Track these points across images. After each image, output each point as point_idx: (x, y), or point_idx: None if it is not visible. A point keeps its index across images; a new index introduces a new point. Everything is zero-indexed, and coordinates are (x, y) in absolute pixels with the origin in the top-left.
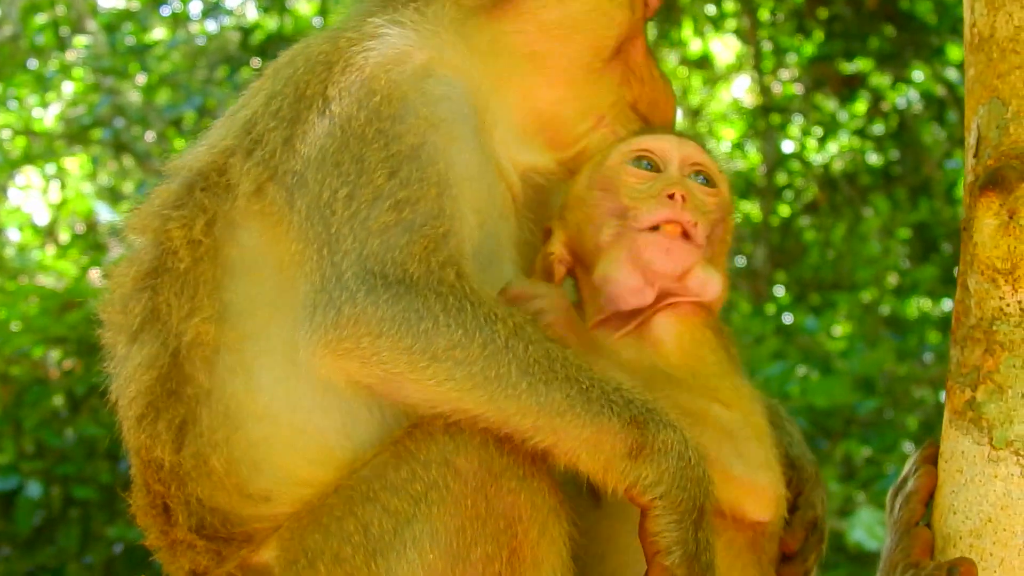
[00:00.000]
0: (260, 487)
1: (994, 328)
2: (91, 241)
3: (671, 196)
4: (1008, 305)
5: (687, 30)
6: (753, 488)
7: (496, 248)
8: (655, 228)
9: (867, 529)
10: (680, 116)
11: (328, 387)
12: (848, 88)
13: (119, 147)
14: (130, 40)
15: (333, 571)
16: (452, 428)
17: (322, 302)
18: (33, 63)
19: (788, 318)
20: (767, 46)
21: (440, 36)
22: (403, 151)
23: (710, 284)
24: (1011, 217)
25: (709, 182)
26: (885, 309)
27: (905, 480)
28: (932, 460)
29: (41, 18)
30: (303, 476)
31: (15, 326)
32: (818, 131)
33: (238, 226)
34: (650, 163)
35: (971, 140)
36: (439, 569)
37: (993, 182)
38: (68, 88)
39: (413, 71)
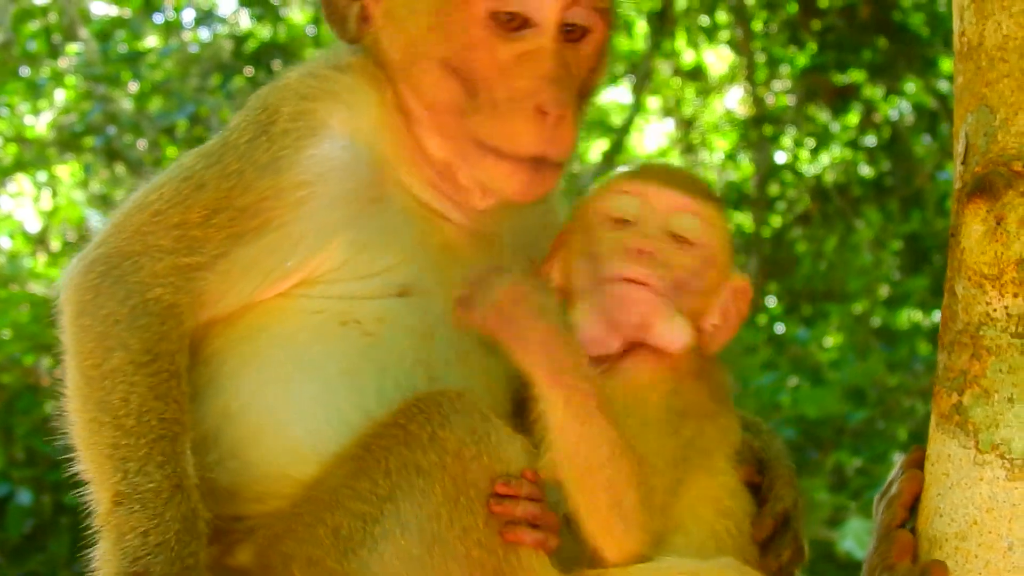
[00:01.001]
0: (226, 483)
1: (981, 333)
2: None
3: (639, 252)
4: (995, 310)
5: (680, 41)
6: (621, 542)
7: (442, 274)
8: (620, 281)
9: (857, 538)
10: (672, 126)
11: (285, 382)
12: (841, 99)
13: (111, 155)
14: (123, 48)
15: (308, 573)
16: (403, 436)
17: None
18: (25, 70)
19: (780, 328)
20: (760, 57)
21: (357, 88)
22: (236, 203)
23: (674, 335)
24: (998, 223)
25: (690, 235)
26: (876, 320)
27: (890, 485)
28: (918, 465)
29: (33, 25)
30: (269, 470)
31: (6, 333)
32: (810, 142)
33: None
34: (625, 214)
35: (959, 147)
36: (416, 555)
37: (980, 189)
38: (60, 95)
39: (305, 129)
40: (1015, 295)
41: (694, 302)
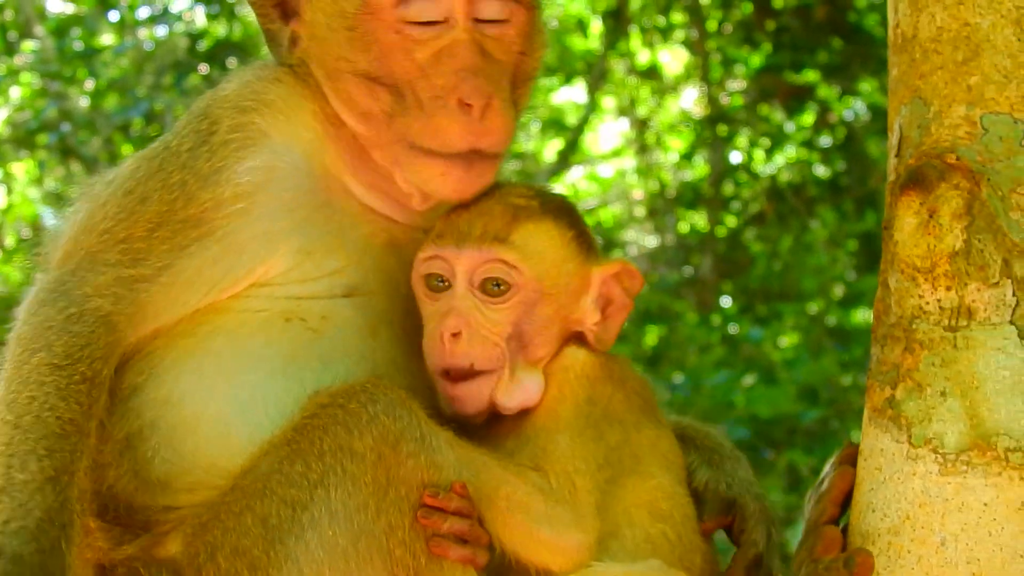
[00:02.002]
0: (158, 473)
1: (914, 326)
2: (37, 246)
3: (452, 336)
4: (928, 303)
5: (635, 41)
6: (557, 547)
7: (388, 275)
8: (444, 378)
9: None
10: (627, 126)
11: (225, 374)
12: (796, 99)
13: (66, 152)
14: (78, 45)
15: (234, 563)
16: (342, 416)
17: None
18: None
19: (735, 328)
20: (715, 57)
21: (296, 98)
22: (179, 215)
23: (523, 396)
24: (931, 216)
25: (503, 284)
26: (831, 320)
27: (822, 481)
28: (850, 461)
29: None
30: (202, 460)
31: None
32: (765, 142)
33: None
34: (441, 277)
35: (893, 140)
36: (341, 545)
37: (914, 181)
38: (15, 93)
39: (245, 139)
40: (948, 288)
41: (539, 334)
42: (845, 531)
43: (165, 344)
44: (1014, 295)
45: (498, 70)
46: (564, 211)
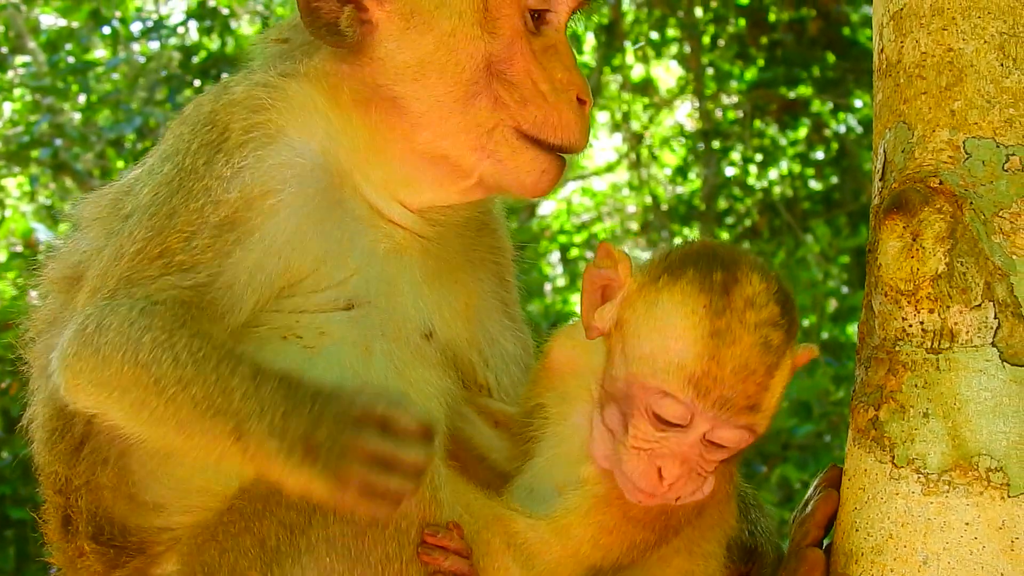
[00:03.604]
0: (154, 496)
1: (897, 348)
2: (29, 261)
3: (660, 471)
4: (911, 326)
5: (629, 55)
6: None
7: (389, 283)
8: (653, 472)
9: None
10: (621, 140)
11: None
12: (789, 114)
13: (58, 167)
14: (70, 59)
15: None
16: None
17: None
18: None
19: None
20: (709, 71)
21: (308, 94)
22: (211, 221)
23: (702, 492)
24: (914, 239)
25: (727, 445)
26: (824, 334)
27: (806, 503)
28: (835, 483)
29: None
30: (196, 484)
31: None
32: (759, 157)
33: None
34: (673, 420)
35: (877, 164)
36: (338, 571)
37: (897, 205)
38: (7, 108)
39: (262, 138)
40: (930, 311)
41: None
42: (829, 551)
43: None
44: (996, 317)
45: None
46: (795, 335)
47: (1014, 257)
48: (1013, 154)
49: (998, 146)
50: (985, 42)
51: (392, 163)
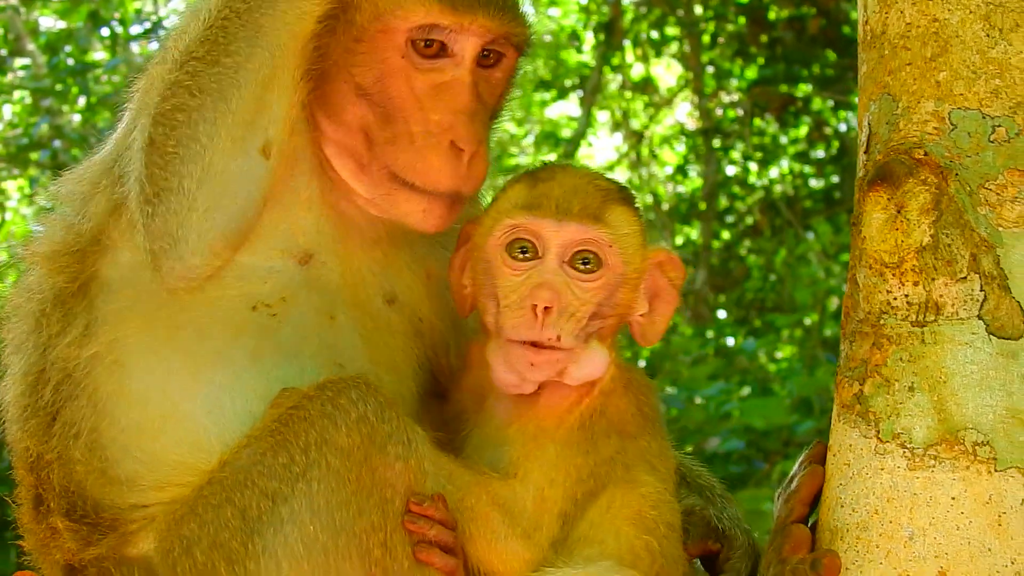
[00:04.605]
0: (126, 471)
1: (882, 322)
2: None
3: (535, 308)
4: (895, 299)
5: (629, 54)
6: (504, 560)
7: (340, 241)
8: (527, 345)
9: None
10: (621, 139)
11: (194, 372)
12: (789, 112)
13: (58, 169)
14: (70, 61)
15: (211, 556)
16: (330, 409)
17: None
18: None
19: (732, 341)
20: (709, 70)
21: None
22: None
23: (590, 369)
24: (899, 211)
25: (593, 262)
26: (826, 332)
27: (791, 480)
28: (820, 459)
29: None
30: (171, 459)
31: None
32: (759, 155)
33: (110, 248)
34: (526, 247)
35: (862, 137)
36: (321, 542)
37: (882, 177)
38: (7, 110)
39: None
40: (915, 283)
41: (611, 315)
42: (814, 528)
43: (130, 337)
44: (981, 290)
45: (484, 114)
46: (633, 199)
47: (1000, 229)
48: (999, 125)
49: (984, 117)
50: (971, 12)
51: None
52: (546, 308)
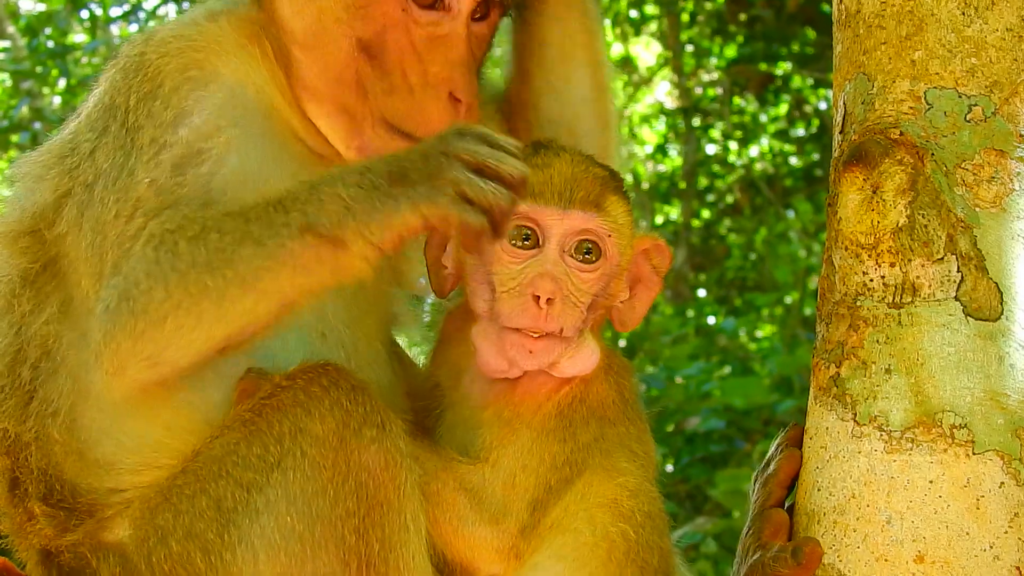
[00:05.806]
0: (104, 453)
1: (858, 303)
2: None
3: (536, 298)
4: (872, 280)
5: (608, 33)
6: (471, 546)
7: None
8: (522, 333)
9: None
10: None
11: None
12: (769, 90)
13: None
14: (50, 43)
15: (186, 546)
16: (303, 398)
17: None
18: None
19: (712, 320)
20: (688, 48)
21: (234, 37)
22: (170, 162)
23: (582, 363)
24: (875, 192)
25: (594, 252)
26: (807, 310)
27: (768, 463)
28: (797, 442)
29: None
30: (152, 439)
31: None
32: (739, 133)
33: (67, 233)
34: (528, 235)
35: (837, 117)
36: (297, 530)
37: (857, 157)
38: None
39: (199, 78)
40: (892, 264)
41: (602, 307)
42: (792, 511)
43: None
44: (958, 271)
45: (476, 68)
46: (624, 185)
47: (977, 209)
48: (975, 104)
49: (960, 96)
50: None
51: (300, 119)
52: (548, 299)
